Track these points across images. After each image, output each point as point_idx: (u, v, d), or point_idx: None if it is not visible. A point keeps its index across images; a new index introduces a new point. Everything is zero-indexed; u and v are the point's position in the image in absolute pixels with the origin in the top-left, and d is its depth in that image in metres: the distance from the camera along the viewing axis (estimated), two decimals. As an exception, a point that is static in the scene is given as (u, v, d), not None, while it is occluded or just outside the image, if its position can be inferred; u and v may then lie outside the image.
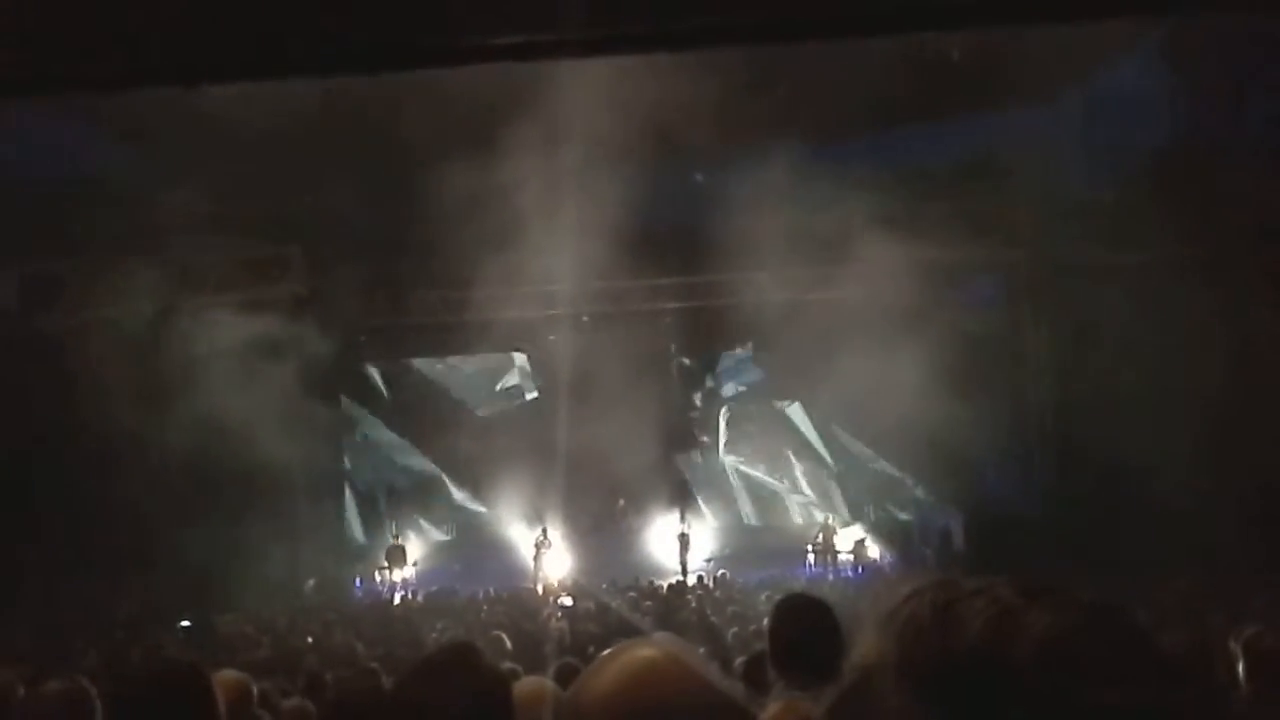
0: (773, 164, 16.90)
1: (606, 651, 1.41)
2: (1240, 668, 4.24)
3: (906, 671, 0.87)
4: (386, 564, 20.38)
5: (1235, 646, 4.39)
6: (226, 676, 3.37)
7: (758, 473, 22.82)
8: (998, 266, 18.13)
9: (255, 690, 3.37)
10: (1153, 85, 14.99)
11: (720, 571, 18.95)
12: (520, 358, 22.91)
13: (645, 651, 1.37)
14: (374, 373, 22.95)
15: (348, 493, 22.50)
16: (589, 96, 12.81)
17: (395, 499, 22.78)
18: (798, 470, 22.70)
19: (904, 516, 21.64)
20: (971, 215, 17.14)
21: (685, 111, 13.53)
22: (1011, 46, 12.11)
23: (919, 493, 21.32)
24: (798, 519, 22.43)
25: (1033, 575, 0.91)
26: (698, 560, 19.87)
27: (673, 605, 13.63)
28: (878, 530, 21.49)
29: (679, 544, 20.08)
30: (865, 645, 0.92)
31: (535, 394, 22.92)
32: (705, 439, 23.05)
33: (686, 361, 22.90)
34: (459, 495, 22.96)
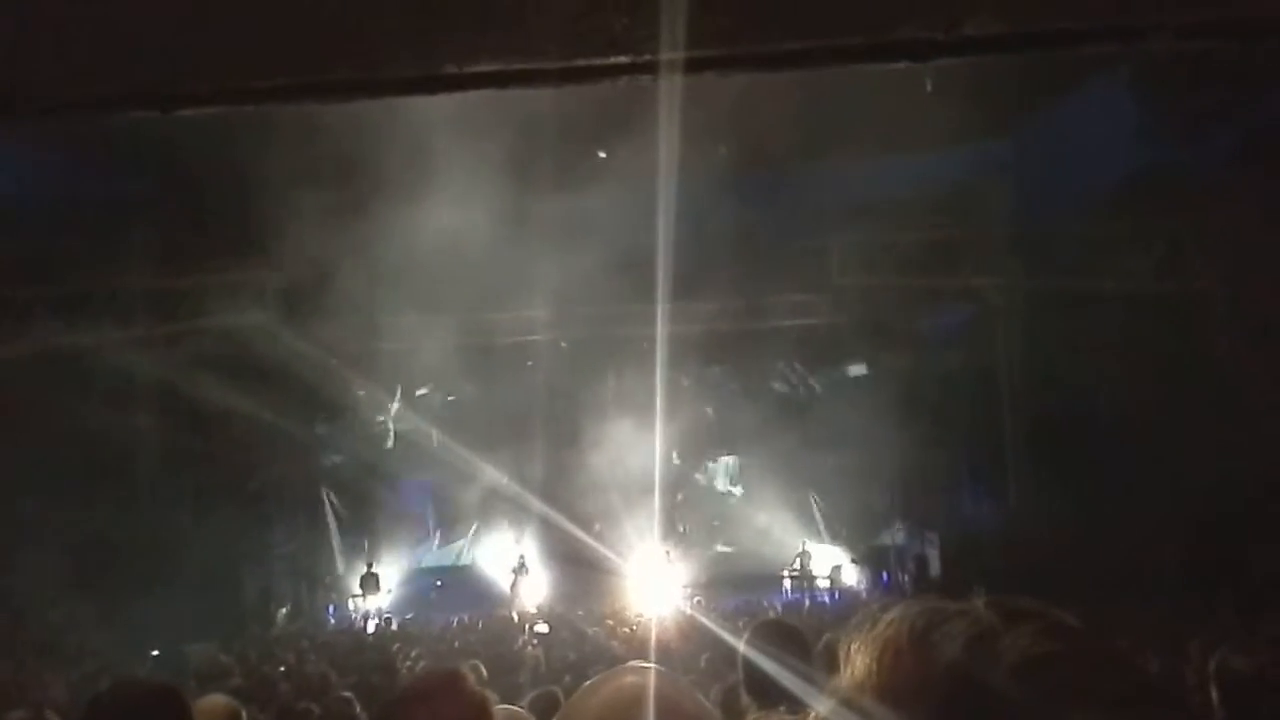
0: (745, 194, 17.02)
1: (591, 680, 1.41)
2: (1214, 692, 4.26)
3: (885, 694, 0.86)
4: (360, 591, 20.21)
5: (1210, 669, 4.41)
6: (216, 702, 3.32)
7: (735, 499, 22.81)
8: (969, 295, 18.27)
9: (245, 716, 3.32)
10: (1119, 116, 15.19)
11: (697, 598, 18.89)
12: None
13: (632, 678, 1.37)
14: (349, 398, 22.83)
15: (320, 519, 22.32)
16: (564, 121, 12.86)
17: (370, 526, 22.61)
18: (775, 496, 22.70)
19: (881, 542, 21.68)
20: (942, 245, 17.29)
21: (655, 139, 13.59)
22: (981, 77, 12.25)
23: (895, 518, 21.37)
24: (775, 545, 22.41)
25: (1011, 599, 0.92)
26: (675, 587, 19.81)
27: (649, 632, 13.57)
28: (855, 556, 21.51)
29: (655, 571, 20.03)
30: (847, 668, 0.92)
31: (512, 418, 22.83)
32: (683, 464, 23.03)
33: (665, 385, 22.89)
34: (435, 521, 22.83)
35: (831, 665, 0.96)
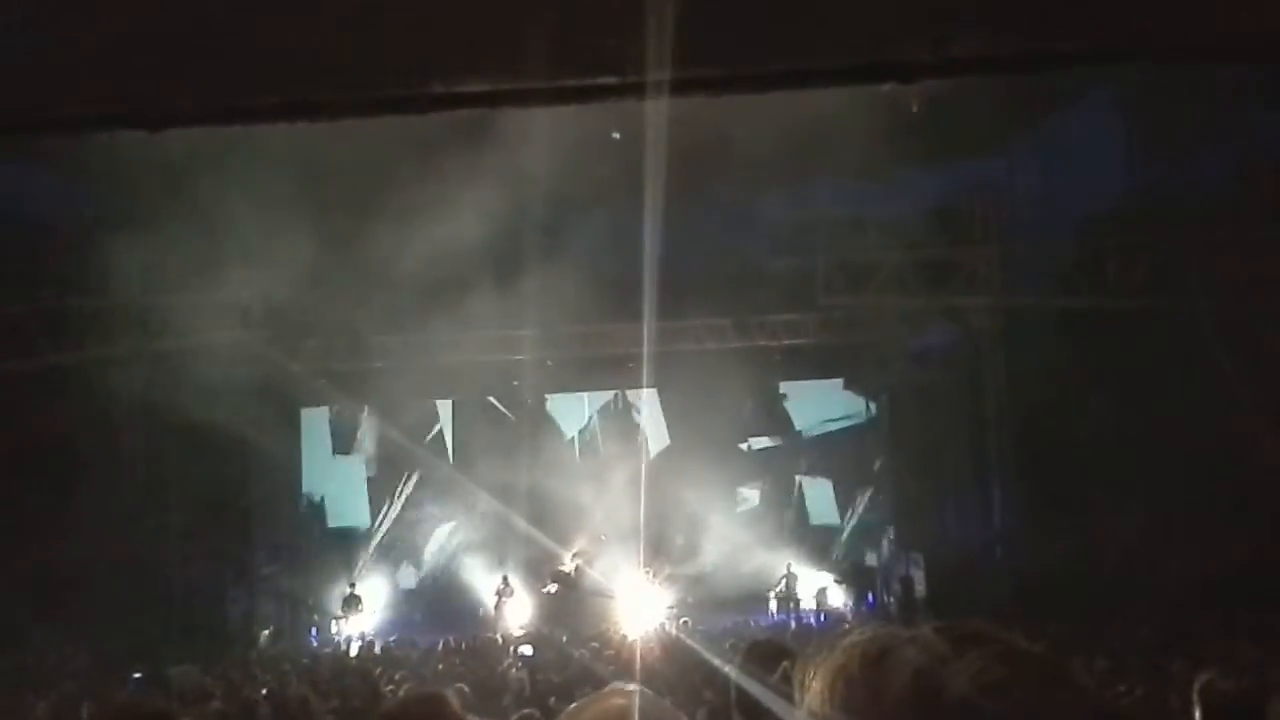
0: (734, 212, 17.08)
1: (577, 703, 1.40)
2: (1197, 715, 4.25)
3: None
4: (343, 613, 20.07)
5: (1195, 691, 4.41)
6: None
7: (721, 519, 22.74)
8: (958, 313, 18.35)
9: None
10: (1108, 135, 15.33)
11: (683, 619, 18.81)
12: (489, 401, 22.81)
13: (618, 700, 1.36)
14: (334, 417, 22.76)
15: (304, 540, 22.20)
16: (554, 141, 12.89)
17: (353, 546, 22.49)
18: (762, 516, 22.68)
19: (867, 563, 21.67)
20: (932, 263, 17.37)
21: (647, 158, 13.63)
22: (970, 98, 12.35)
23: (881, 539, 21.38)
24: (761, 566, 22.36)
25: (991, 621, 0.92)
26: (661, 608, 19.74)
27: (635, 654, 13.51)
28: (841, 577, 21.49)
29: (642, 591, 19.94)
30: (803, 695, 0.93)
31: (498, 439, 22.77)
32: (668, 484, 22.96)
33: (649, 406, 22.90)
34: (419, 542, 22.72)
35: (790, 690, 0.97)
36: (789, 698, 2.98)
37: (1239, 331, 14.24)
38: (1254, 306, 13.90)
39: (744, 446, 22.98)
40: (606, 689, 1.44)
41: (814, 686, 0.92)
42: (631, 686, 1.48)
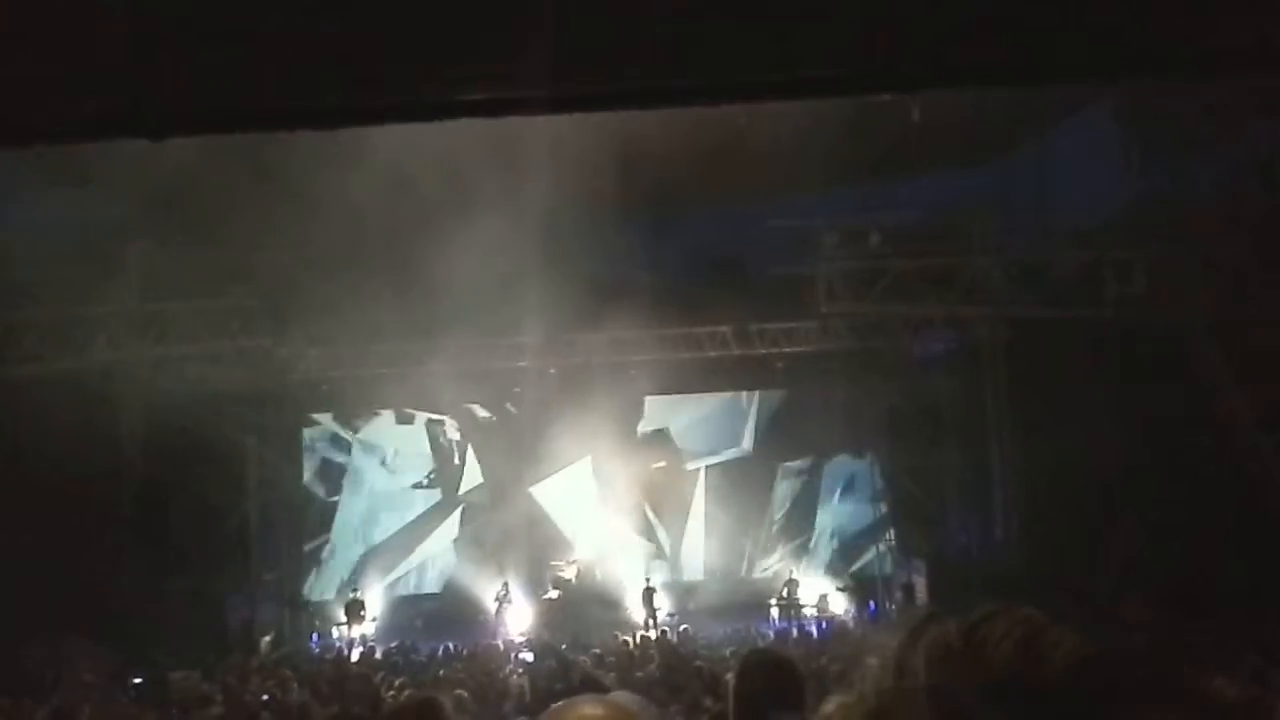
0: (737, 219, 17.10)
1: (553, 707, 1.40)
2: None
3: (937, 694, 0.87)
4: (344, 619, 20.05)
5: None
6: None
7: (723, 526, 22.73)
8: (959, 322, 18.34)
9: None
10: (1107, 146, 15.34)
11: (684, 626, 18.79)
12: (483, 411, 22.79)
13: (591, 709, 1.36)
14: (334, 425, 22.76)
15: (305, 547, 22.18)
16: (555, 150, 12.91)
17: (354, 552, 22.47)
18: (762, 523, 22.66)
19: (869, 571, 21.66)
20: (933, 272, 17.36)
21: (649, 166, 13.69)
22: (970, 107, 12.36)
23: (883, 546, 21.36)
24: (762, 573, 22.35)
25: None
26: (662, 615, 19.71)
27: (637, 661, 13.49)
28: (842, 584, 21.46)
29: (643, 599, 19.93)
30: (881, 670, 0.92)
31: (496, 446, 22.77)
32: (671, 493, 22.95)
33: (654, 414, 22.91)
34: (421, 549, 22.69)
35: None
36: (786, 705, 2.98)
37: (1236, 341, 14.24)
38: (1251, 316, 13.90)
39: (742, 453, 22.95)
40: (583, 697, 1.44)
41: (905, 659, 0.91)
42: (623, 695, 1.48)
